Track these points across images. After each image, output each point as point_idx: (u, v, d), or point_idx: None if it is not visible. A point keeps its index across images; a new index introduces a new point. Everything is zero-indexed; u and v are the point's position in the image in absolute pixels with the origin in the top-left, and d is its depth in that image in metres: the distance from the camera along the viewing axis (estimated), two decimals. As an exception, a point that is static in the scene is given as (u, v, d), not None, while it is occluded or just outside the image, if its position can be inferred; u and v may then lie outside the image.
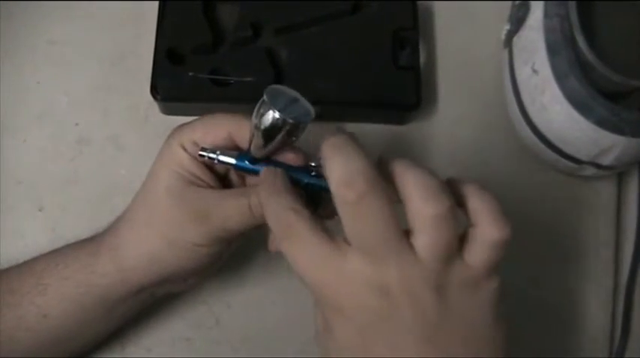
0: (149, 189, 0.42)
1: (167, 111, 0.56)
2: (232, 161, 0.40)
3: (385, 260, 0.31)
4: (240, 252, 0.53)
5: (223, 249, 0.42)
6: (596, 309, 0.56)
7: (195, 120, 0.42)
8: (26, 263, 0.44)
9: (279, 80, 0.54)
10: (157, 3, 0.55)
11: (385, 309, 0.31)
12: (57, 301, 0.41)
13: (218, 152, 0.40)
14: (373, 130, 0.58)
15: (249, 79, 0.54)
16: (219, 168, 0.43)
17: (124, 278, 0.41)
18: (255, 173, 0.39)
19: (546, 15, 0.50)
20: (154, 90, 0.53)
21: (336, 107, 0.55)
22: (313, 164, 0.39)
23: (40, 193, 0.54)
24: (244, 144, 0.40)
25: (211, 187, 0.42)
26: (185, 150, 0.41)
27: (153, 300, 0.47)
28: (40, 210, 0.53)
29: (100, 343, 0.48)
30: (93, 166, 0.55)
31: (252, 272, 0.53)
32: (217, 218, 0.40)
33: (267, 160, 0.39)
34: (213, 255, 0.41)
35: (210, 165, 0.42)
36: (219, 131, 0.41)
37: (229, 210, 0.40)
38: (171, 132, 0.42)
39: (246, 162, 0.40)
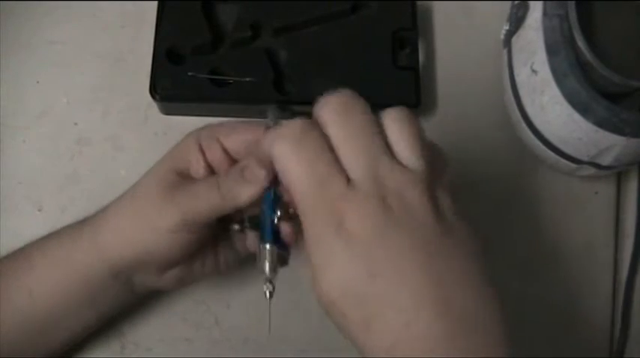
0: (145, 173, 0.42)
1: (166, 111, 0.56)
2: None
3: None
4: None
5: (193, 240, 0.41)
6: (595, 309, 0.57)
7: (223, 122, 0.42)
8: (20, 248, 0.44)
9: (278, 80, 0.54)
10: (156, 3, 0.55)
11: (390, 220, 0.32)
12: (43, 280, 0.42)
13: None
14: (373, 130, 0.58)
15: (248, 79, 0.54)
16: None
17: (102, 257, 0.41)
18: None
19: (545, 15, 0.50)
20: (154, 90, 0.53)
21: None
22: None
23: (39, 193, 0.54)
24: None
25: None
26: (199, 143, 0.41)
27: (137, 296, 0.46)
28: (39, 210, 0.54)
29: (89, 336, 0.48)
30: (92, 166, 0.55)
31: (252, 272, 0.53)
32: (186, 196, 0.39)
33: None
34: (182, 245, 0.40)
35: (214, 165, 0.42)
36: (246, 134, 0.41)
37: (199, 187, 0.40)
38: (194, 131, 0.42)
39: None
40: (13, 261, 0.43)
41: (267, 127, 0.39)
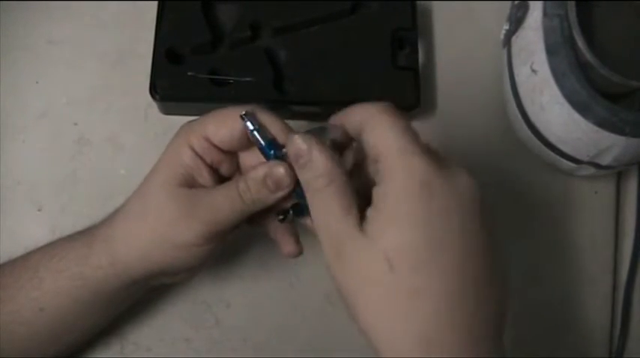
0: (147, 184, 0.41)
1: (166, 110, 0.56)
2: (262, 142, 0.39)
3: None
4: (239, 252, 0.53)
5: (216, 247, 0.41)
6: (595, 309, 0.57)
7: (206, 115, 0.41)
8: (20, 257, 0.44)
9: (278, 80, 0.54)
10: (156, 3, 0.55)
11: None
12: (53, 294, 0.41)
13: (257, 127, 0.39)
14: (372, 130, 0.58)
15: (248, 78, 0.54)
16: (224, 171, 0.43)
17: (117, 271, 0.41)
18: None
19: (545, 15, 0.50)
20: (153, 90, 0.53)
21: (335, 107, 0.55)
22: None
23: (39, 193, 0.54)
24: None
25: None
26: (192, 149, 0.40)
27: (146, 291, 0.46)
28: (39, 210, 0.53)
29: (96, 335, 0.48)
30: (92, 166, 0.55)
31: (252, 272, 0.54)
32: (207, 210, 0.39)
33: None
34: (205, 254, 0.41)
35: (215, 166, 0.42)
36: (234, 123, 0.40)
37: (219, 199, 0.40)
38: (180, 130, 0.42)
39: (272, 152, 0.39)
40: (19, 271, 0.42)
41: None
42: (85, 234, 0.43)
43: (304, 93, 0.55)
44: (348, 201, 0.34)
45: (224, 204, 0.39)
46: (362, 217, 0.34)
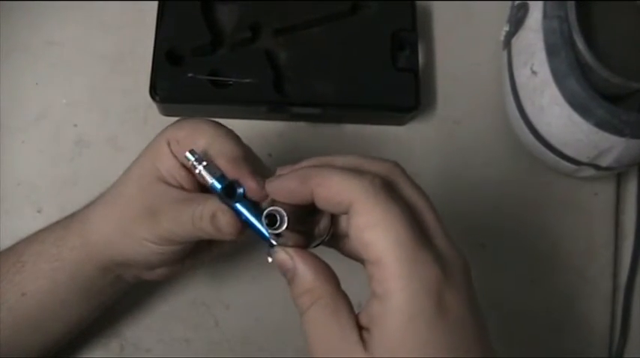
0: (127, 173, 0.42)
1: (166, 112, 0.56)
2: (209, 180, 0.38)
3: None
4: (238, 253, 0.53)
5: (177, 252, 0.41)
6: (595, 310, 0.56)
7: (185, 120, 0.41)
8: (11, 246, 0.44)
9: (278, 81, 0.54)
10: (156, 4, 0.55)
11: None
12: (33, 278, 0.42)
13: (204, 164, 0.38)
14: (372, 131, 0.58)
15: (248, 80, 0.54)
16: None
17: (89, 254, 0.41)
18: (225, 202, 0.38)
19: (545, 16, 0.50)
20: (153, 91, 0.53)
21: (335, 108, 0.55)
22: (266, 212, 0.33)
23: (38, 195, 0.54)
24: (217, 158, 0.39)
25: (185, 189, 0.41)
26: (169, 145, 0.40)
27: (129, 285, 0.46)
28: (38, 212, 0.53)
29: (89, 336, 0.49)
30: (92, 168, 0.55)
31: (251, 273, 0.53)
32: (166, 220, 0.39)
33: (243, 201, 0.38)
34: (166, 254, 0.40)
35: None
36: (199, 138, 0.39)
37: (177, 215, 0.39)
38: (166, 127, 0.42)
39: (219, 187, 0.38)
40: (5, 257, 0.43)
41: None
42: (67, 217, 0.44)
43: (304, 95, 0.55)
44: (337, 321, 0.31)
45: (182, 220, 0.39)
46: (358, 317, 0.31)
